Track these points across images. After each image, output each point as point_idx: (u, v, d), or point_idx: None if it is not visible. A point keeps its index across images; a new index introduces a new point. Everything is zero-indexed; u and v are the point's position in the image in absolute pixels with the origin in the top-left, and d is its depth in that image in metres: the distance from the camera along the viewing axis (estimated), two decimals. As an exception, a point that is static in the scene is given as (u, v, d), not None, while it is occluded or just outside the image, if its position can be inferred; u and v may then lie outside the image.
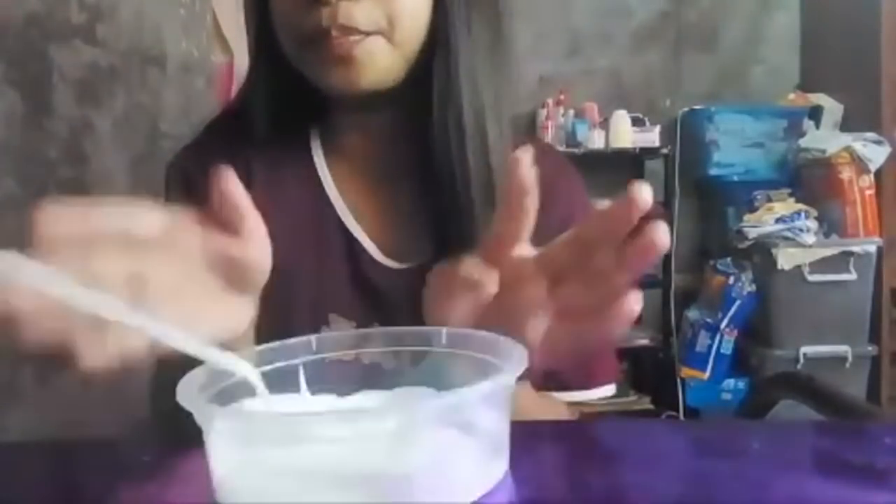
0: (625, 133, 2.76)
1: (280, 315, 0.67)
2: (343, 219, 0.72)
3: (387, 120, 0.72)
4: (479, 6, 0.70)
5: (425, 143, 0.68)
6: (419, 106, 0.68)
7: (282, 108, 0.73)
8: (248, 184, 0.69)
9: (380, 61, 0.65)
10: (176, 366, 0.38)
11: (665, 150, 2.80)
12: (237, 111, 0.75)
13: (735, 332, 2.62)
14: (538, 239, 0.52)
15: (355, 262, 0.71)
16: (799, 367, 2.45)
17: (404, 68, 0.68)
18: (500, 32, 0.74)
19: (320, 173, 0.74)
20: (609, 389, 0.74)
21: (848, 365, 2.49)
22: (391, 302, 0.70)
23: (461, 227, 0.66)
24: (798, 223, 2.52)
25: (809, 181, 2.66)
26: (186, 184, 0.73)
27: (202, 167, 0.70)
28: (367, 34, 0.64)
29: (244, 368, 0.39)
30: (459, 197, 0.67)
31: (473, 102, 0.68)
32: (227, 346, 0.39)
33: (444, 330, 0.44)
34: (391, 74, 0.67)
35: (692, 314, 2.76)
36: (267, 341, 0.64)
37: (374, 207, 0.74)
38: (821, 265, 2.48)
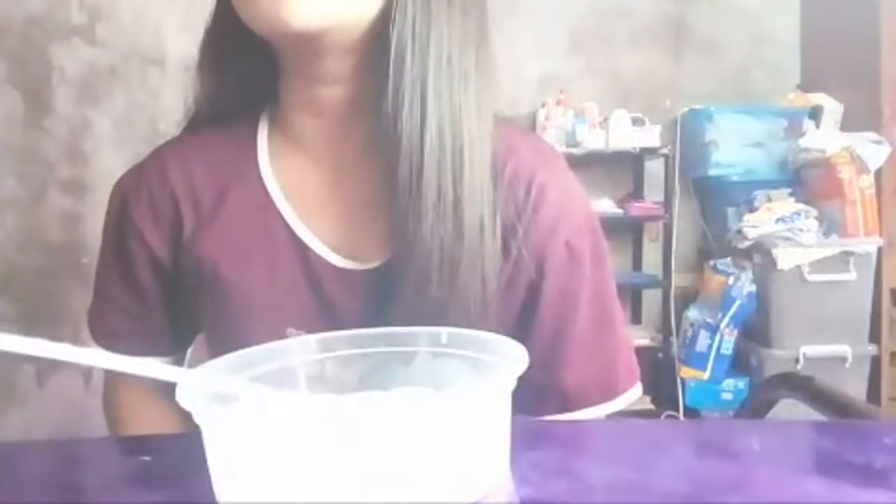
0: (625, 133, 2.76)
1: (234, 332, 0.65)
2: (287, 218, 0.66)
3: (341, 96, 0.64)
4: None
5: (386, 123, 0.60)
6: (380, 81, 0.60)
7: (229, 92, 0.68)
8: (194, 198, 0.67)
9: None
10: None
11: (665, 150, 2.79)
12: (191, 112, 0.71)
13: (735, 332, 2.62)
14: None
15: (307, 266, 0.65)
16: (799, 367, 2.45)
17: (354, 16, 0.59)
18: (482, 21, 0.64)
19: (262, 167, 0.67)
20: (636, 391, 0.70)
21: (848, 365, 2.49)
22: (351, 307, 0.64)
23: (425, 224, 0.59)
24: (798, 223, 2.52)
25: (809, 181, 2.66)
26: (123, 205, 0.70)
27: (141, 187, 0.69)
28: None
29: (231, 385, 0.39)
30: (422, 190, 0.59)
31: (439, 77, 0.60)
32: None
33: (444, 330, 0.44)
34: (333, 15, 0.57)
35: (692, 314, 2.76)
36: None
37: (327, 202, 0.66)
38: (821, 265, 2.48)
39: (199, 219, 0.67)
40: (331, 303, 0.65)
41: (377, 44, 0.60)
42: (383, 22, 0.59)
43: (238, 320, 0.66)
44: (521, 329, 0.66)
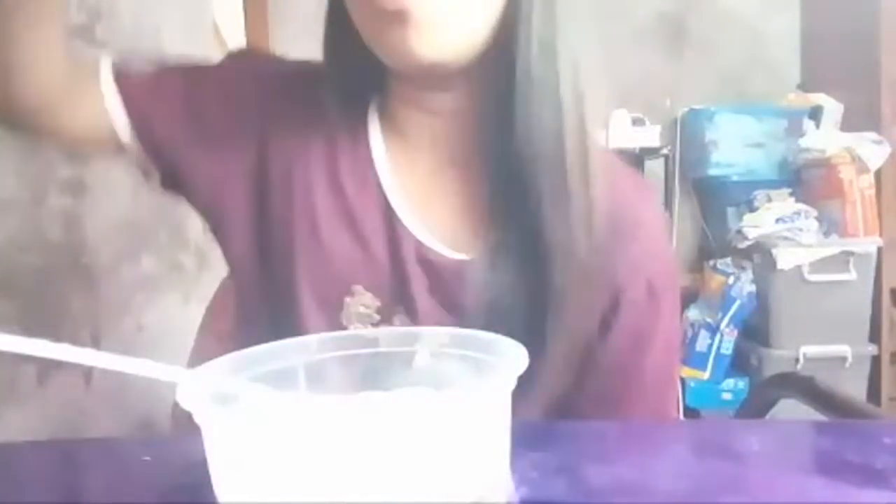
0: (625, 133, 2.76)
1: (295, 278, 0.65)
2: (389, 195, 0.66)
3: (453, 100, 0.64)
4: None
5: (503, 123, 0.60)
6: (497, 81, 0.60)
7: (346, 80, 0.67)
8: (302, 154, 0.67)
9: (450, 22, 0.56)
10: None
11: (665, 150, 2.79)
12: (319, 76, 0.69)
13: (735, 332, 2.62)
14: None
15: (394, 240, 0.65)
16: (799, 367, 2.45)
17: (481, 38, 0.59)
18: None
19: (374, 151, 0.67)
20: None
21: (848, 365, 2.49)
22: (418, 290, 0.64)
23: (562, 229, 0.60)
24: (798, 223, 2.52)
25: (809, 181, 2.66)
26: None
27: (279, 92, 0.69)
28: None
29: (231, 385, 0.39)
30: (564, 197, 0.60)
31: (569, 75, 0.61)
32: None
33: (444, 330, 0.44)
34: (460, 44, 0.58)
35: (692, 314, 2.76)
36: (270, 301, 0.66)
37: (430, 190, 0.67)
38: (821, 265, 2.48)
39: (303, 171, 0.68)
40: (407, 282, 0.65)
41: (494, 51, 0.60)
42: (502, 30, 0.59)
43: (308, 259, 0.65)
44: (585, 361, 0.66)
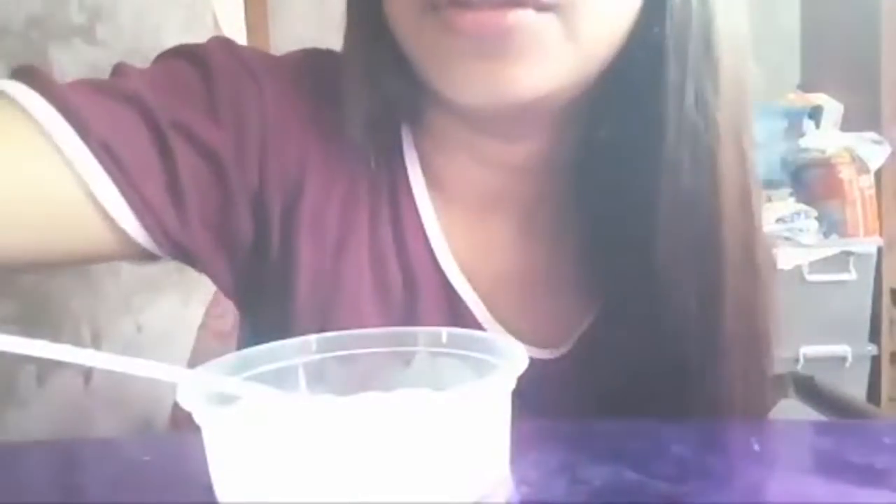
0: (625, 133, 2.76)
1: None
2: (451, 278, 0.51)
3: (527, 152, 0.50)
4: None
5: (596, 176, 0.48)
6: (591, 132, 0.47)
7: (374, 106, 0.49)
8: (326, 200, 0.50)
9: (549, 55, 0.41)
10: None
11: (665, 150, 2.79)
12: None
13: (735, 333, 2.62)
14: None
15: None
16: (799, 367, 2.45)
17: (582, 78, 0.44)
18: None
19: (418, 201, 0.51)
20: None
21: (848, 365, 2.49)
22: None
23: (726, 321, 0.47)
24: (798, 223, 2.52)
25: (809, 181, 2.65)
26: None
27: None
28: (536, 8, 0.40)
29: (231, 385, 0.39)
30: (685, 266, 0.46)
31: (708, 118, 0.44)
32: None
33: (445, 330, 0.44)
34: (561, 81, 0.43)
35: (692, 314, 2.76)
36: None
37: (499, 266, 0.52)
38: (821, 265, 2.48)
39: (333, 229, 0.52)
40: None
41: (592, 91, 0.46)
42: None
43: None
44: None
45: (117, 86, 0.48)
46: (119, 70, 0.50)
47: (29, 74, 0.45)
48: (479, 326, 0.51)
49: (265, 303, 0.53)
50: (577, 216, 0.51)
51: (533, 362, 0.39)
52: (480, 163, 0.51)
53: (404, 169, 0.52)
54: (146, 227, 0.46)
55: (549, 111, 0.46)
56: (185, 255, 0.51)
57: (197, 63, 0.49)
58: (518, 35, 0.40)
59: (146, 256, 0.49)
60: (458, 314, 0.51)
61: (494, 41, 0.40)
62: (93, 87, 0.47)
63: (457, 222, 0.52)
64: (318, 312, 0.51)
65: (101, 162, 0.43)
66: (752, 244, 0.48)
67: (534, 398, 0.42)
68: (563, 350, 0.52)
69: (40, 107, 0.43)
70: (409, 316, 0.51)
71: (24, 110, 0.43)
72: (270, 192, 0.50)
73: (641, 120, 0.45)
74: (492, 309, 0.51)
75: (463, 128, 0.50)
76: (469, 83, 0.42)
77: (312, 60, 0.54)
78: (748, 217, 0.47)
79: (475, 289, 0.51)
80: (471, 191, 0.52)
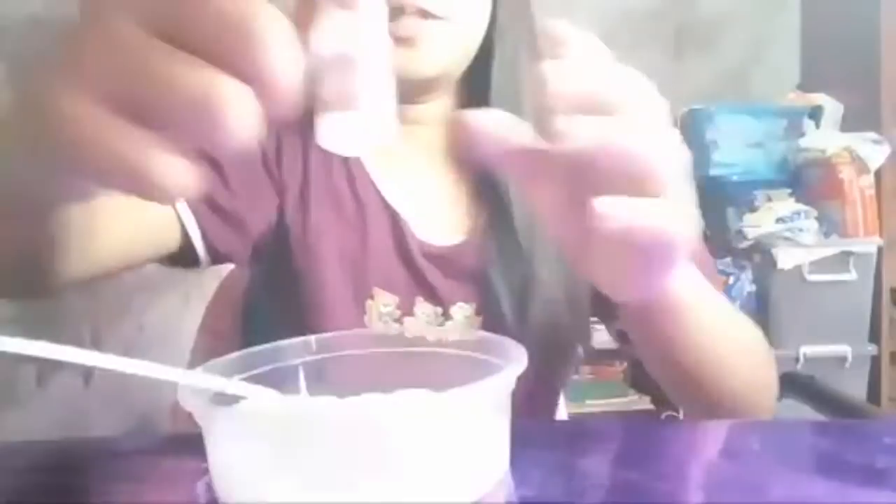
0: (625, 133, 2.75)
1: (319, 289, 0.70)
2: (387, 197, 0.72)
3: (437, 109, 0.72)
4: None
5: None
6: (473, 96, 0.70)
7: None
8: (305, 160, 0.71)
9: (445, 47, 0.66)
10: None
11: (665, 150, 2.79)
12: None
13: (735, 332, 2.62)
14: None
15: (399, 238, 0.71)
16: (799, 367, 2.45)
17: (465, 59, 0.68)
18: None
19: (367, 162, 0.73)
20: None
21: (848, 365, 2.49)
22: (434, 277, 0.71)
23: (503, 204, 0.68)
24: (798, 223, 2.52)
25: (809, 181, 2.65)
26: None
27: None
28: (437, 17, 0.63)
29: (231, 386, 0.39)
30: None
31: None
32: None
33: (444, 330, 0.44)
34: (452, 63, 0.67)
35: (692, 314, 2.75)
36: (304, 317, 0.69)
37: (418, 187, 0.74)
38: (821, 265, 2.48)
39: (306, 176, 0.72)
40: (417, 269, 0.71)
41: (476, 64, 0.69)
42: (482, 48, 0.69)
43: (325, 279, 0.69)
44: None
45: None
46: None
47: None
48: (412, 232, 0.71)
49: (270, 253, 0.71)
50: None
51: (453, 247, 0.71)
52: (403, 121, 0.66)
53: None
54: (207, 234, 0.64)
55: (446, 84, 0.70)
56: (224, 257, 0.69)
57: None
58: (425, 38, 0.63)
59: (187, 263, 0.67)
60: (393, 219, 0.72)
61: (409, 40, 0.62)
62: None
63: (391, 161, 0.73)
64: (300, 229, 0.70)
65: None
66: None
67: (464, 268, 0.71)
68: (454, 241, 0.72)
69: None
70: (360, 223, 0.71)
71: None
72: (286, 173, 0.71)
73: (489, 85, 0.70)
74: (419, 214, 0.72)
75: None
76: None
77: None
78: None
79: (408, 203, 0.72)
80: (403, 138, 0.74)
